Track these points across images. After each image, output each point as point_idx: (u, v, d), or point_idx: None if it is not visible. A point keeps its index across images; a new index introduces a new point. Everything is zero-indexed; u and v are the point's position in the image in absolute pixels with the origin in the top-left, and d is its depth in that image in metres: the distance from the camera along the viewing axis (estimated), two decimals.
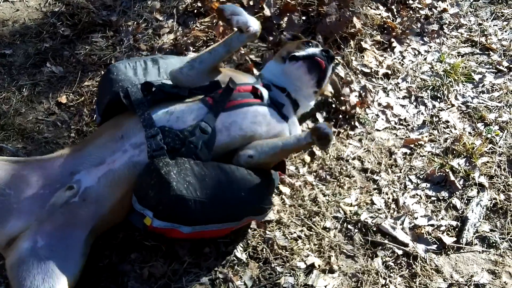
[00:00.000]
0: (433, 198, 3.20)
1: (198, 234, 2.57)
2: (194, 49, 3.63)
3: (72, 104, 3.37)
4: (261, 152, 2.70)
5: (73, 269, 2.41)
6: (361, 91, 3.66)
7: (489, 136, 3.50)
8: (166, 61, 3.03)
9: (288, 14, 3.86)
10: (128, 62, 2.96)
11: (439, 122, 3.59)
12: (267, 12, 3.84)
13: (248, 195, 2.60)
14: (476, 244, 3.02)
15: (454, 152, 3.40)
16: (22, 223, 2.42)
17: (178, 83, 2.82)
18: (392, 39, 4.03)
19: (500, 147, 3.45)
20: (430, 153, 3.41)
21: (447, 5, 4.39)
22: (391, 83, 3.79)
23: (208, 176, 2.53)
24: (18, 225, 2.42)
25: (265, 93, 2.91)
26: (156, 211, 2.44)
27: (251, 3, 3.90)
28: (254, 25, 2.84)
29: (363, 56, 3.87)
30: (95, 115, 3.14)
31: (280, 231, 2.93)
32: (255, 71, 3.47)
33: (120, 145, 2.60)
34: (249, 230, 2.91)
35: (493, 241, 3.03)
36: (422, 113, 3.65)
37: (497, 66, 4.03)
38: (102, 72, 3.51)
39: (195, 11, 3.93)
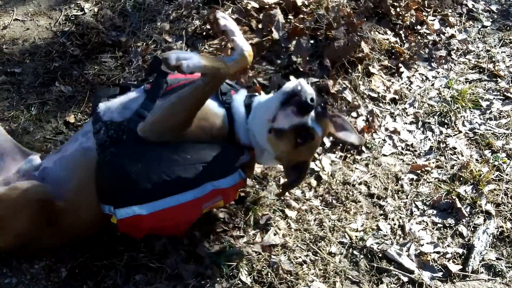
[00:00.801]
0: (439, 225, 3.20)
1: (162, 217, 2.53)
2: None
3: (80, 123, 3.38)
4: (153, 110, 2.62)
5: None
6: (368, 116, 3.66)
7: (496, 163, 3.50)
8: None
9: (296, 37, 3.87)
10: None
11: (446, 149, 3.59)
12: (275, 35, 3.85)
13: (196, 156, 2.56)
14: (482, 272, 3.01)
15: (461, 179, 3.40)
16: None
17: None
18: (400, 64, 4.04)
19: (507, 174, 3.45)
20: (436, 180, 3.41)
21: (455, 31, 4.40)
22: (398, 108, 3.80)
23: (149, 151, 2.56)
24: None
25: None
26: (113, 199, 2.51)
27: (260, 26, 3.92)
28: (244, 46, 2.83)
29: (371, 80, 3.87)
30: None
31: (285, 255, 2.92)
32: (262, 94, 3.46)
33: (74, 136, 2.80)
34: (254, 254, 2.90)
35: (499, 269, 3.02)
36: (429, 139, 3.65)
37: (505, 93, 4.04)
38: None
39: (204, 33, 3.93)
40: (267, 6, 4.00)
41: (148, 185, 2.47)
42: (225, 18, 2.96)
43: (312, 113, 2.58)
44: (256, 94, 2.97)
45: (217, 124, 2.71)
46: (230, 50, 3.68)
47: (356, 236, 3.06)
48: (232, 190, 2.67)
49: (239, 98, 2.82)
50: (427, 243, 3.09)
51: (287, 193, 3.16)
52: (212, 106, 2.72)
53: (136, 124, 2.60)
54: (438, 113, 3.80)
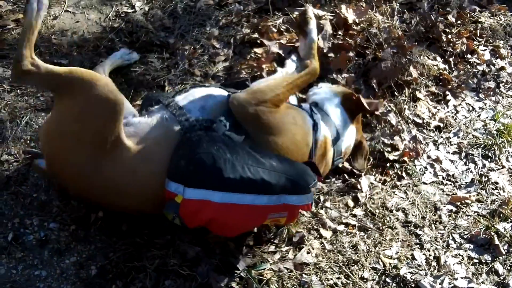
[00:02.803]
0: (475, 260, 3.13)
1: (230, 210, 2.56)
2: (246, 77, 3.62)
3: None
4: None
5: None
6: (411, 141, 3.61)
7: None
8: None
9: (342, 51, 3.83)
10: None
11: (488, 183, 3.52)
12: (321, 43, 3.81)
13: (280, 166, 2.62)
14: None
15: (501, 215, 3.33)
16: None
17: None
18: (447, 92, 3.98)
19: None
20: (476, 214, 3.34)
21: (506, 64, 4.32)
22: (442, 137, 3.73)
23: (238, 146, 2.62)
24: None
25: (293, 100, 3.17)
26: (188, 178, 2.52)
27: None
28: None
29: (416, 105, 3.82)
30: None
31: (317, 275, 2.89)
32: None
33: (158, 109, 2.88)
34: (285, 271, 2.87)
35: None
36: (471, 171, 3.58)
37: None
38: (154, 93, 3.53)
39: (252, 41, 3.91)
40: (317, 18, 3.96)
41: (232, 175, 2.49)
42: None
43: None
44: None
45: (302, 124, 2.94)
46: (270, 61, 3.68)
47: (390, 263, 3.01)
48: (298, 209, 2.72)
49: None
50: (462, 278, 3.03)
51: (323, 212, 3.14)
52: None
53: (228, 122, 2.74)
54: (482, 145, 3.73)
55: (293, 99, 3.20)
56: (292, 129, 2.84)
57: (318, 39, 3.80)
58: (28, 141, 3.16)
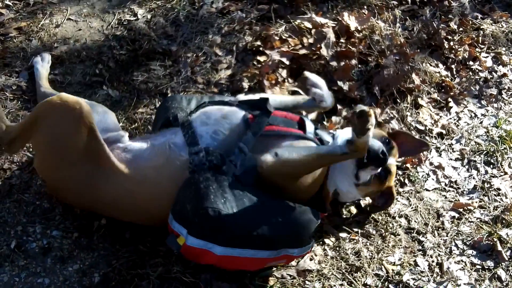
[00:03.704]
0: (478, 267, 3.12)
1: (230, 260, 2.56)
2: (249, 85, 3.63)
3: (124, 128, 3.37)
4: (289, 152, 2.69)
5: None
6: None
7: None
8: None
9: (345, 59, 3.84)
10: (186, 95, 3.14)
11: (490, 189, 3.51)
12: (324, 51, 3.82)
13: (285, 220, 2.59)
14: None
15: (504, 221, 3.32)
16: None
17: None
18: (449, 99, 3.98)
19: None
20: (478, 220, 3.33)
21: (508, 70, 4.32)
22: (444, 143, 3.73)
23: (246, 196, 2.56)
24: None
25: (310, 126, 2.96)
26: (191, 226, 2.49)
27: (310, 40, 3.90)
28: (328, 100, 3.21)
29: (419, 112, 3.82)
30: None
31: (319, 282, 2.89)
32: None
33: (163, 134, 2.85)
34: (288, 277, 2.87)
35: None
36: (473, 178, 3.57)
37: None
38: (157, 100, 3.54)
39: (254, 49, 3.92)
40: (320, 26, 3.98)
41: (236, 231, 2.48)
42: (315, 86, 3.29)
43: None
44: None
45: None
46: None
47: (393, 270, 3.01)
48: (296, 257, 2.76)
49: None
50: (464, 284, 3.02)
51: (325, 219, 3.14)
52: None
53: (238, 159, 2.67)
54: (485, 152, 3.72)
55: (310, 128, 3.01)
56: (309, 185, 2.83)
57: (321, 47, 3.82)
58: (31, 149, 3.16)
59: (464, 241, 3.23)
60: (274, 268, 2.88)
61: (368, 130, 2.49)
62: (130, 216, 2.81)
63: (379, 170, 2.85)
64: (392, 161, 2.97)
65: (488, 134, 3.85)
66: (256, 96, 3.10)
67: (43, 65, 3.51)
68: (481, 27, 4.50)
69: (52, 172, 2.74)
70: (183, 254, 2.61)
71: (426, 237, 3.20)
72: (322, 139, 2.94)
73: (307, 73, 3.35)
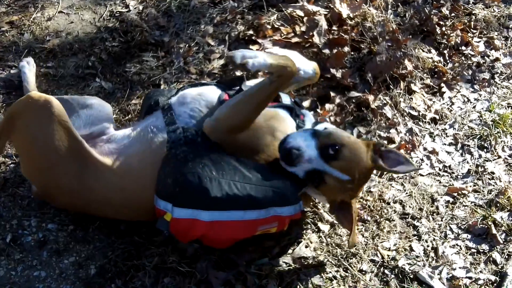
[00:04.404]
0: (473, 250, 3.13)
1: (220, 227, 2.57)
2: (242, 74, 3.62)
3: (117, 120, 3.38)
4: (225, 106, 2.71)
5: None
6: (407, 134, 3.62)
7: None
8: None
9: (337, 46, 3.84)
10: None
11: (484, 173, 3.52)
12: (316, 39, 3.83)
13: (265, 178, 2.60)
14: None
15: (498, 205, 3.33)
16: None
17: None
18: (442, 84, 3.98)
19: None
20: (473, 204, 3.34)
21: (500, 55, 4.32)
22: (438, 128, 3.74)
23: (223, 160, 2.59)
24: None
25: (285, 99, 2.96)
26: (175, 198, 2.52)
27: (303, 29, 3.91)
28: (307, 68, 3.10)
29: (412, 98, 3.82)
30: None
31: (315, 269, 2.89)
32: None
33: (144, 120, 2.89)
34: (284, 265, 2.88)
35: None
36: (467, 162, 3.58)
37: None
38: None
39: (246, 38, 3.92)
40: (312, 14, 3.98)
41: (218, 193, 2.49)
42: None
43: (317, 157, 2.61)
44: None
45: (283, 130, 2.76)
46: None
47: (388, 255, 3.02)
48: (288, 219, 2.71)
49: (308, 125, 2.91)
50: (460, 268, 3.03)
51: (320, 206, 3.15)
52: (283, 113, 2.86)
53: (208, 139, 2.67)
54: (478, 136, 3.73)
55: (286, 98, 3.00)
56: (273, 143, 2.73)
57: (314, 34, 3.82)
58: None
59: (459, 225, 3.24)
60: (269, 256, 2.90)
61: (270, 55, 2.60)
62: (124, 213, 2.81)
63: (298, 167, 2.64)
64: (332, 171, 2.63)
65: (481, 118, 3.86)
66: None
67: (30, 69, 3.49)
68: (473, 12, 4.51)
69: (39, 175, 2.73)
70: (173, 234, 2.62)
71: (421, 222, 3.21)
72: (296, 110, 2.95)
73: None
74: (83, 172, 2.65)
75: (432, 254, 3.07)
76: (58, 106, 2.61)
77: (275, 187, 2.59)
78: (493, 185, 3.46)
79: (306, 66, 3.10)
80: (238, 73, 3.58)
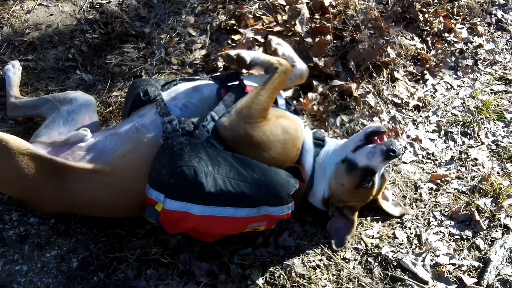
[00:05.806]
0: (456, 237, 3.14)
1: (210, 222, 2.57)
2: (224, 64, 3.61)
3: (99, 112, 3.36)
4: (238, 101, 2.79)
5: None
6: (390, 122, 3.61)
7: None
8: None
9: (320, 35, 3.83)
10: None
11: (468, 159, 3.52)
12: (298, 28, 3.82)
13: (261, 177, 2.61)
14: (497, 287, 2.94)
15: (481, 191, 3.33)
16: None
17: None
18: (425, 71, 3.98)
19: None
20: (456, 190, 3.35)
21: (483, 41, 4.32)
22: (421, 116, 3.74)
23: (220, 156, 2.60)
24: None
25: (281, 99, 3.05)
26: (168, 189, 2.50)
27: (285, 17, 3.89)
28: (300, 64, 3.25)
29: (395, 86, 3.82)
30: None
31: (299, 258, 2.89)
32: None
33: (129, 119, 2.88)
34: (267, 255, 2.87)
35: None
36: (450, 149, 3.59)
37: None
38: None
39: (228, 28, 3.90)
40: (294, 3, 3.96)
41: (213, 189, 2.48)
42: (280, 44, 3.27)
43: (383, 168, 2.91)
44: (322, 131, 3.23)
45: (294, 127, 2.88)
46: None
47: (371, 243, 3.02)
48: (277, 218, 2.71)
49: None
50: (443, 254, 3.03)
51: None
52: (288, 112, 3.02)
53: (211, 125, 2.69)
54: (461, 123, 3.73)
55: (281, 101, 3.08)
56: (282, 140, 2.78)
57: (296, 23, 3.81)
58: None
59: (442, 212, 3.24)
60: (252, 246, 2.90)
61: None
62: (113, 210, 2.81)
63: (377, 163, 2.85)
64: (378, 184, 2.96)
65: (464, 105, 3.86)
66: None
67: (15, 72, 3.44)
68: None
69: (20, 196, 2.85)
70: (162, 223, 2.59)
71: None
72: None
73: (270, 36, 3.34)
74: (62, 182, 2.66)
75: (415, 241, 3.08)
76: (13, 139, 2.62)
77: (270, 187, 2.61)
78: (476, 172, 3.46)
79: (300, 62, 3.26)
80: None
